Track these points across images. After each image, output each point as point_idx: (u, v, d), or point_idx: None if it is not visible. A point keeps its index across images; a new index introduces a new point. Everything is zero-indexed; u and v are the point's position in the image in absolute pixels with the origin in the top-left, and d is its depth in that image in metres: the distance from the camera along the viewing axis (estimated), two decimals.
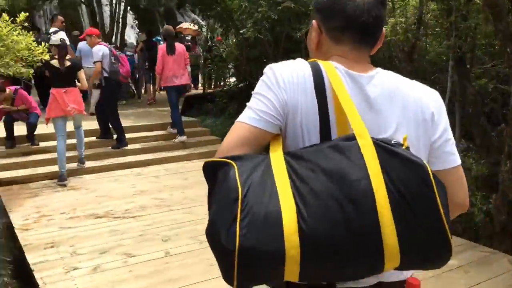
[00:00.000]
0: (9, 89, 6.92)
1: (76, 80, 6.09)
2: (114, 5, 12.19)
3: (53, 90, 5.85)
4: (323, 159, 1.00)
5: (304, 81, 1.11)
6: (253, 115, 1.12)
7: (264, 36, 7.50)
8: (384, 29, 1.23)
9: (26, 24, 4.73)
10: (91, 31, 7.59)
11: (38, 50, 4.58)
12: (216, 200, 1.01)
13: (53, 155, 6.65)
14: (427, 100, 1.18)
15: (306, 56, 1.30)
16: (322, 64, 1.14)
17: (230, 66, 11.63)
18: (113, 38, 13.23)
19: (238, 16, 8.18)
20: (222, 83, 13.52)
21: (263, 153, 1.10)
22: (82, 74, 6.13)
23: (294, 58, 1.22)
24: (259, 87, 1.15)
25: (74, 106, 5.88)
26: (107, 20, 13.43)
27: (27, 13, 4.91)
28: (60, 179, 5.98)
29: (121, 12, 12.91)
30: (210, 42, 13.50)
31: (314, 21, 1.24)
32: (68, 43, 6.39)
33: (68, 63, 5.88)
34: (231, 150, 1.09)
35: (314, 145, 1.07)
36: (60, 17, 9.50)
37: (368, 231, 0.95)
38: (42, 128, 6.84)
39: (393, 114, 1.14)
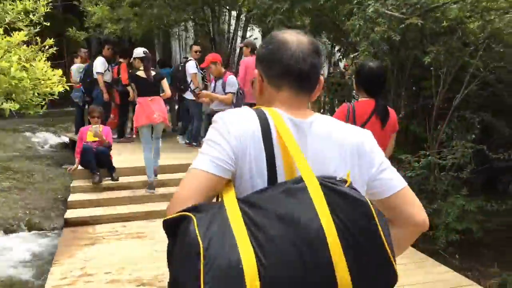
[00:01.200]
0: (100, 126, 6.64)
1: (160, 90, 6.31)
2: (232, 33, 11.65)
3: (139, 99, 6.07)
4: (276, 205, 1.07)
5: (252, 128, 1.20)
6: (207, 162, 1.19)
7: (382, 61, 5.93)
8: (321, 76, 1.32)
9: (52, 50, 4.00)
10: (215, 57, 6.65)
11: (51, 80, 3.82)
12: (178, 256, 1.06)
13: (133, 192, 6.11)
14: (361, 139, 1.30)
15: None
16: (268, 111, 1.25)
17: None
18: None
19: (353, 36, 6.73)
20: None
21: (218, 201, 1.18)
22: (166, 83, 6.36)
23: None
24: (211, 134, 1.23)
25: (160, 114, 6.04)
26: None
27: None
28: (149, 187, 6.16)
29: (238, 39, 12.34)
30: (332, 66, 12.26)
31: (256, 70, 1.35)
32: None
33: (153, 73, 6.12)
34: (188, 199, 1.15)
35: (267, 188, 1.15)
36: (195, 47, 9.11)
37: (323, 268, 1.02)
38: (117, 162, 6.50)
39: (332, 154, 1.25)
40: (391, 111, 3.16)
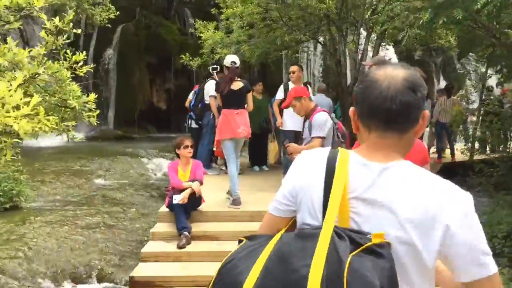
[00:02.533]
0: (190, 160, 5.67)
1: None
2: (361, 53, 10.04)
3: (224, 111, 5.86)
4: (287, 245, 1.18)
5: (319, 168, 1.28)
6: (272, 204, 1.42)
7: None
8: (425, 111, 1.25)
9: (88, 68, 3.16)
10: (299, 91, 4.74)
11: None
12: None
13: (220, 245, 4.96)
14: (445, 210, 1.16)
15: None
16: (340, 153, 1.30)
17: None
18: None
19: None
20: (499, 148, 9.68)
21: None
22: (250, 97, 6.14)
23: None
24: (287, 173, 1.40)
25: (245, 128, 5.84)
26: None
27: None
28: (234, 202, 5.83)
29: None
30: (486, 92, 9.94)
31: (352, 108, 1.34)
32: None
33: (240, 85, 5.90)
34: (259, 230, 1.43)
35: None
36: (292, 67, 7.85)
37: None
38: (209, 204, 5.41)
39: (397, 211, 1.17)
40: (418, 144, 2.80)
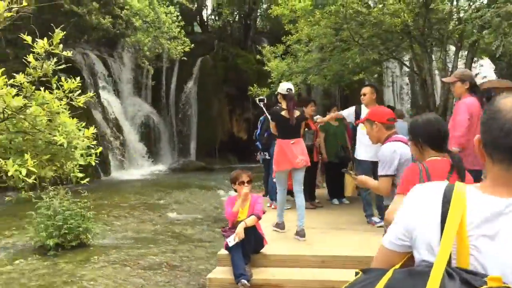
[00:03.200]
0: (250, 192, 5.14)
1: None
2: (450, 72, 8.94)
3: (280, 142, 5.71)
4: (398, 280, 1.17)
5: (435, 203, 1.22)
6: (386, 237, 1.36)
7: None
8: None
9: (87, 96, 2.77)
10: (374, 113, 3.75)
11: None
12: None
13: None
14: None
15: None
16: (457, 187, 1.22)
17: None
18: None
19: None
20: None
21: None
22: (302, 125, 6.15)
23: None
24: (400, 209, 1.34)
25: (303, 158, 5.63)
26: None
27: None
28: (279, 226, 5.92)
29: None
30: None
31: (477, 136, 1.27)
32: None
33: (296, 113, 5.69)
34: (373, 263, 1.39)
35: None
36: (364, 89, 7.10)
37: None
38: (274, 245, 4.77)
39: None
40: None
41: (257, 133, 8.34)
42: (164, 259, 6.25)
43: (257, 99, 7.20)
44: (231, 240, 4.74)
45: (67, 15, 12.19)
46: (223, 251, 5.14)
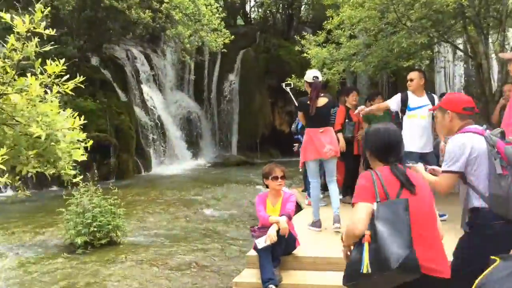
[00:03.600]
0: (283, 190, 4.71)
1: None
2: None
3: (308, 131, 5.51)
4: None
5: None
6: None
7: None
8: None
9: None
10: (449, 101, 3.10)
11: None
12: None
13: None
14: None
15: None
16: None
17: None
18: None
19: None
20: None
21: None
22: (339, 113, 6.13)
23: None
24: None
25: (331, 148, 5.39)
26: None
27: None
28: (314, 224, 5.55)
29: None
30: None
31: None
32: None
33: (324, 101, 5.47)
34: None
35: None
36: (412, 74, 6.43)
37: None
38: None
39: None
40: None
41: (298, 126, 7.86)
42: (193, 259, 5.94)
43: (283, 84, 6.72)
44: (261, 242, 4.32)
45: (108, 11, 12.16)
46: (252, 252, 4.72)
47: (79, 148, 2.31)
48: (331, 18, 8.81)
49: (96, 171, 12.56)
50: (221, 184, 11.64)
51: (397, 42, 7.02)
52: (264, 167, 4.82)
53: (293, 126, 8.16)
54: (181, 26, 12.49)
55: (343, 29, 8.47)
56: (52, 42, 2.50)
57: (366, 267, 2.21)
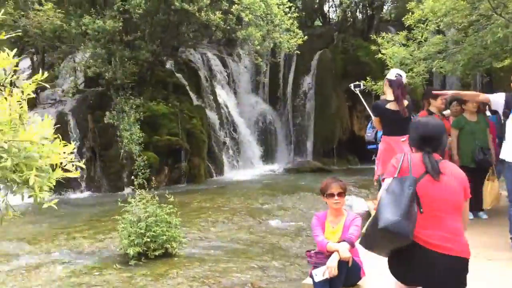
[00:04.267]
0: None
1: None
2: None
3: (387, 139, 4.96)
4: None
5: None
6: None
7: None
8: None
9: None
10: None
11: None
12: None
13: None
14: None
15: None
16: None
17: None
18: None
19: None
20: None
21: None
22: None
23: None
24: None
25: None
26: None
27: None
28: None
29: None
30: None
31: None
32: None
33: (405, 104, 4.85)
34: None
35: None
36: None
37: None
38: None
39: None
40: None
41: (378, 133, 6.97)
42: (250, 278, 5.42)
43: (351, 84, 5.98)
44: (319, 274, 3.67)
45: (179, 14, 12.11)
46: (309, 280, 4.08)
47: (70, 161, 1.84)
48: (411, 13, 7.87)
49: (168, 174, 12.59)
50: (292, 193, 11.02)
51: (492, 32, 5.96)
52: (323, 181, 4.16)
53: (367, 134, 7.32)
54: (251, 28, 12.09)
55: (426, 24, 7.50)
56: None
57: (365, 228, 2.77)
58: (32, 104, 12.44)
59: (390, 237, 2.52)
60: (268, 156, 16.86)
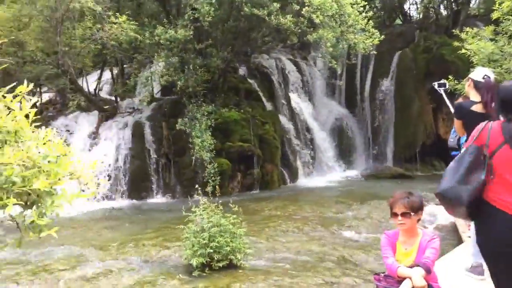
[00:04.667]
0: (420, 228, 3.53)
1: None
2: None
3: None
4: None
5: None
6: None
7: None
8: None
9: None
10: None
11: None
12: None
13: None
14: None
15: None
16: None
17: None
18: None
19: None
20: None
21: None
22: None
23: None
24: None
25: None
26: None
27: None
28: (474, 270, 4.34)
29: None
30: None
31: None
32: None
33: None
34: None
35: None
36: None
37: None
38: None
39: None
40: None
41: (461, 139, 6.22)
42: None
43: (435, 83, 5.32)
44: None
45: (250, 20, 12.01)
46: None
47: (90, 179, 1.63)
48: (498, 5, 7.02)
49: (240, 181, 12.49)
50: (369, 201, 10.39)
51: None
52: (396, 192, 3.67)
53: (450, 139, 6.58)
54: (322, 30, 11.63)
55: None
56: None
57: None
58: (113, 113, 13.01)
59: (447, 202, 2.64)
60: (344, 161, 16.22)
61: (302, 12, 11.53)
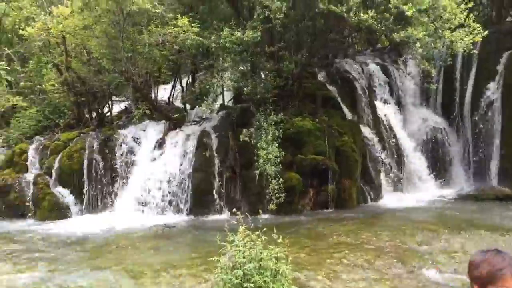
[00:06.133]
0: None
1: None
2: None
3: None
4: None
5: None
6: None
7: None
8: None
9: None
10: None
11: None
12: None
13: None
14: None
15: None
16: None
17: None
18: None
19: None
20: None
21: None
22: None
23: None
24: None
25: None
26: None
27: None
28: None
29: None
30: None
31: None
32: None
33: None
34: None
35: None
36: None
37: None
38: None
39: None
40: None
41: None
42: None
43: None
44: None
45: (326, 18, 10.82)
46: None
47: None
48: None
49: (313, 198, 11.26)
50: (463, 229, 8.61)
51: None
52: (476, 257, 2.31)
53: None
54: (412, 28, 10.04)
55: None
56: None
57: None
58: (181, 122, 12.52)
59: None
60: (439, 178, 14.19)
61: (389, 6, 10.03)
